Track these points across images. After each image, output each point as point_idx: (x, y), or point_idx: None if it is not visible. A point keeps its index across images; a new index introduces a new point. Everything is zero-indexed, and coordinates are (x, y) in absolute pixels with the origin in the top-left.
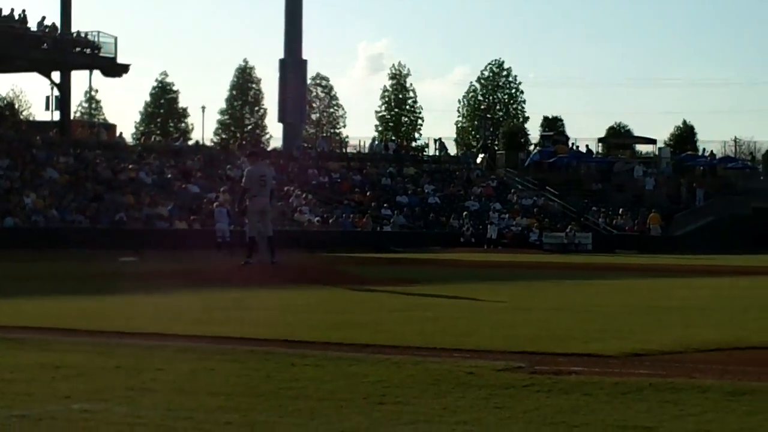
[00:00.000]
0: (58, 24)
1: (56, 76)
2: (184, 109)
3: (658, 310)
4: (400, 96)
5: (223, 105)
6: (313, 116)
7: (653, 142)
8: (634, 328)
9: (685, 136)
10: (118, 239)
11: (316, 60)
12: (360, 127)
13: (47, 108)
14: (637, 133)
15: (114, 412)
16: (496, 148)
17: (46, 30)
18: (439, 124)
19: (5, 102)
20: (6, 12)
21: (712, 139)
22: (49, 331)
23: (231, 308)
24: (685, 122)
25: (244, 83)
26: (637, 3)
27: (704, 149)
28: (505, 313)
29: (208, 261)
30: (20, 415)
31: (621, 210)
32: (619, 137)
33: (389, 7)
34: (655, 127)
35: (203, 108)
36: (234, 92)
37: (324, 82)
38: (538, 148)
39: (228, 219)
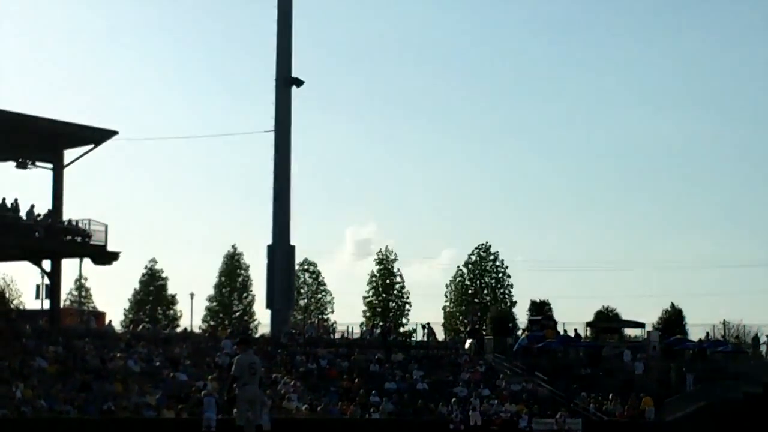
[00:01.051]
0: (48, 212)
1: (47, 264)
2: (173, 296)
3: None
4: (388, 281)
5: (212, 291)
6: (301, 302)
7: (642, 325)
8: None
9: (673, 319)
10: (106, 430)
11: (304, 245)
12: (348, 312)
13: (37, 296)
14: (625, 316)
15: None
16: (484, 332)
17: (38, 218)
18: (427, 308)
19: None
20: None
21: (700, 322)
22: None
23: None
24: (673, 305)
25: (233, 269)
26: (625, 188)
27: (707, 333)
28: None
29: None
30: None
31: (611, 395)
32: (607, 321)
33: (377, 191)
34: (643, 310)
35: (192, 294)
36: (222, 278)
37: (312, 268)
38: (526, 332)
39: (216, 408)
